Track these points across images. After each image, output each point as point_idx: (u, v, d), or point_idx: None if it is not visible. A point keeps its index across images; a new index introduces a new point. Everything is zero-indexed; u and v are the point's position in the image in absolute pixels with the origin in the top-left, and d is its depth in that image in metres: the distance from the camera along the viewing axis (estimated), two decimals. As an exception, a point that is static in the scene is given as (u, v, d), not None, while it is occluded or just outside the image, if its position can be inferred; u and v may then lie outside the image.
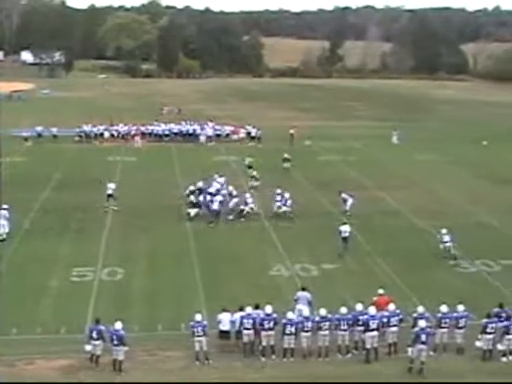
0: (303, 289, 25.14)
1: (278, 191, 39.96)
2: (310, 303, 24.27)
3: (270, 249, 33.31)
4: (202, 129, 67.19)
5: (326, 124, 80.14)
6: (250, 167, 49.38)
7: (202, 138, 65.53)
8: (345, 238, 32.95)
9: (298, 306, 24.00)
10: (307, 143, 64.91)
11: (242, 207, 38.39)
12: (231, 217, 38.08)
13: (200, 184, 41.21)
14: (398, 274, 29.86)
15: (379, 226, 37.24)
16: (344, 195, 39.68)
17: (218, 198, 38.91)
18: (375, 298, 24.16)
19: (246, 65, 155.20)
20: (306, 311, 22.92)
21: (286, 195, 39.33)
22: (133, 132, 65.59)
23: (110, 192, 40.25)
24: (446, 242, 32.23)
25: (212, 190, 40.86)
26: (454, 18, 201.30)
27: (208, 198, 39.11)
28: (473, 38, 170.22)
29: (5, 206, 35.06)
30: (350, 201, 39.15)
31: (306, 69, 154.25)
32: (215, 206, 38.05)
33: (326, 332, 22.29)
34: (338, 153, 59.88)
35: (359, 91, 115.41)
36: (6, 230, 34.06)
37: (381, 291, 24.66)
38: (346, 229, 33.09)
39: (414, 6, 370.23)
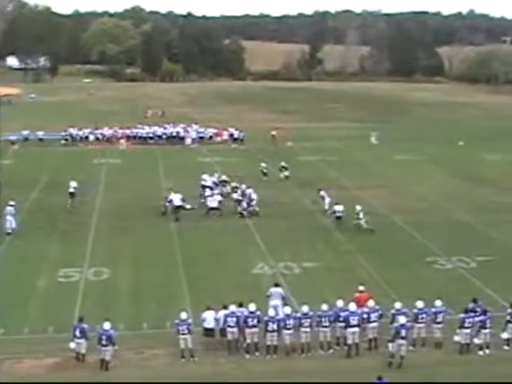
0: (276, 285, 25.27)
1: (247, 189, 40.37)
2: (283, 298, 24.43)
3: (253, 247, 33.35)
4: (186, 131, 67.16)
5: (307, 125, 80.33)
6: (264, 174, 48.20)
7: (188, 141, 65.39)
8: (339, 217, 36.36)
9: (272, 302, 24.08)
10: (289, 144, 65.04)
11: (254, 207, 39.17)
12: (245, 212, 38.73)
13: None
14: (377, 271, 29.99)
15: (358, 225, 37.30)
16: (322, 193, 40.02)
17: (217, 197, 39.34)
18: (357, 295, 24.22)
19: (228, 68, 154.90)
20: (286, 309, 22.83)
21: (253, 194, 39.77)
22: (118, 135, 65.59)
23: (71, 190, 40.85)
24: (360, 219, 35.61)
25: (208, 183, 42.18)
26: (429, 22, 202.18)
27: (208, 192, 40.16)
28: (448, 42, 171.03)
29: (11, 203, 35.66)
30: (327, 199, 39.48)
31: (287, 72, 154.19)
32: (214, 203, 38.53)
33: (308, 329, 22.32)
34: (319, 153, 60.03)
35: (339, 93, 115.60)
36: (14, 226, 34.76)
37: (361, 288, 24.74)
38: (339, 208, 36.48)
39: (391, 10, 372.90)
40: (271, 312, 22.43)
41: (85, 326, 21.51)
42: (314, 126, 79.59)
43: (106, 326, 21.28)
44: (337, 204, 36.95)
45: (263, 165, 49.27)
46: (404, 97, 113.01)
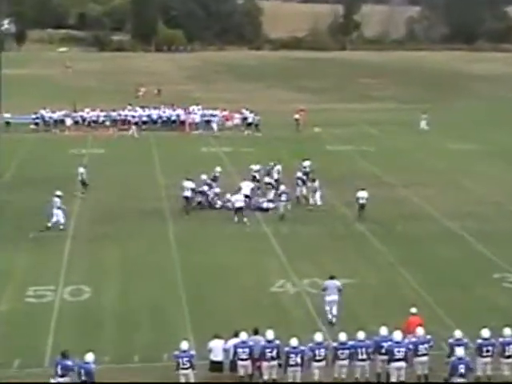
0: (331, 277, 26.98)
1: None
2: (340, 291, 26.59)
3: (272, 259, 33.36)
4: (188, 114, 67.18)
5: (339, 107, 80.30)
6: (306, 174, 44.16)
7: (215, 126, 65.33)
8: (362, 205, 38.77)
9: (328, 298, 26.35)
10: (316, 130, 65.04)
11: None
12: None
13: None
14: (426, 289, 29.88)
15: (404, 232, 37.29)
16: (316, 184, 41.27)
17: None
18: (410, 318, 24.07)
19: (241, 35, 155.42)
20: (318, 336, 22.72)
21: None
22: (101, 119, 65.81)
23: (81, 178, 43.58)
24: (362, 206, 38.55)
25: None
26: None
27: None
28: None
29: (58, 193, 37.60)
30: (317, 193, 40.93)
31: (314, 39, 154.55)
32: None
33: (345, 362, 22.26)
34: (354, 142, 60.04)
35: (380, 66, 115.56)
36: (62, 221, 37.04)
37: (414, 310, 24.53)
38: (363, 195, 38.80)
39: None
40: (294, 342, 22.15)
41: (69, 363, 21.33)
42: (347, 108, 79.57)
43: (89, 357, 21.05)
44: (362, 190, 39.08)
45: (305, 163, 45.63)
46: (463, 69, 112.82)
